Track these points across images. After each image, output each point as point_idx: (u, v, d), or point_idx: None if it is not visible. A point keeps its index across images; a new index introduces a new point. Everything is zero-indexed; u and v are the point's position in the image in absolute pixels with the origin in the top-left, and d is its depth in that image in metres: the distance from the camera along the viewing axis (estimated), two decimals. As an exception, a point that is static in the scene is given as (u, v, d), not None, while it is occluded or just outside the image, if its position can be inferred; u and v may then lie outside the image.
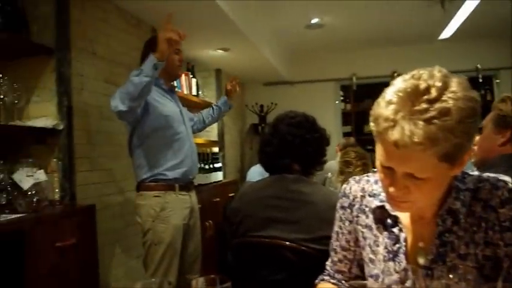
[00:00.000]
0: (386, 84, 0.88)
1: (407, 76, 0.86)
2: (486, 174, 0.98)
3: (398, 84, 0.85)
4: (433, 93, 0.80)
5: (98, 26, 2.75)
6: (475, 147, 1.75)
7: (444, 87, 0.81)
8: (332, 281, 1.20)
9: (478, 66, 5.62)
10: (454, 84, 0.83)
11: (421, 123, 0.79)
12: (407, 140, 0.79)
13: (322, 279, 1.22)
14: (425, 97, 0.80)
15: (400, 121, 0.80)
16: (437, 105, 0.79)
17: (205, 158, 4.16)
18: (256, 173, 3.71)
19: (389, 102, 0.83)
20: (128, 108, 2.13)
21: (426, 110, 0.79)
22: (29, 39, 2.25)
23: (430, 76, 0.83)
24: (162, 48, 2.12)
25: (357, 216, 1.10)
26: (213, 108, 3.08)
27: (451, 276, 0.74)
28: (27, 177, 2.06)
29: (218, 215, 3.96)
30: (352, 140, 4.74)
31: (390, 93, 0.84)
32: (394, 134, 0.80)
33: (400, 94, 0.82)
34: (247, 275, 1.60)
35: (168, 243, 2.32)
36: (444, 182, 0.91)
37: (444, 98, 0.80)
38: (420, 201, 0.91)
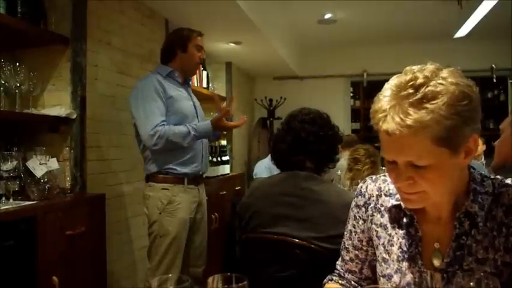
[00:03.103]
0: None
1: (402, 73, 0.89)
2: (510, 179, 0.97)
3: (392, 80, 0.88)
4: (420, 80, 0.84)
5: (114, 17, 2.75)
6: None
7: (433, 75, 0.84)
8: (340, 281, 1.18)
9: (493, 66, 5.54)
10: (445, 72, 0.86)
11: (408, 107, 0.82)
12: (396, 126, 0.81)
13: (331, 279, 1.21)
14: (411, 83, 0.84)
15: (390, 110, 0.83)
16: (424, 89, 0.82)
17: (213, 151, 4.16)
18: (263, 167, 3.71)
19: (383, 96, 0.87)
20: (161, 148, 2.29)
21: (412, 95, 0.82)
22: (46, 28, 2.27)
23: (420, 69, 0.87)
24: (224, 126, 2.37)
25: (372, 215, 1.09)
26: None
27: (471, 283, 0.72)
28: (40, 165, 2.08)
29: (224, 208, 3.97)
30: (354, 136, 4.64)
31: (384, 88, 0.88)
32: (385, 123, 0.83)
33: (393, 88, 0.86)
34: (254, 270, 1.59)
35: (174, 236, 2.32)
36: (450, 172, 0.89)
37: (432, 83, 0.83)
38: (428, 193, 0.89)
